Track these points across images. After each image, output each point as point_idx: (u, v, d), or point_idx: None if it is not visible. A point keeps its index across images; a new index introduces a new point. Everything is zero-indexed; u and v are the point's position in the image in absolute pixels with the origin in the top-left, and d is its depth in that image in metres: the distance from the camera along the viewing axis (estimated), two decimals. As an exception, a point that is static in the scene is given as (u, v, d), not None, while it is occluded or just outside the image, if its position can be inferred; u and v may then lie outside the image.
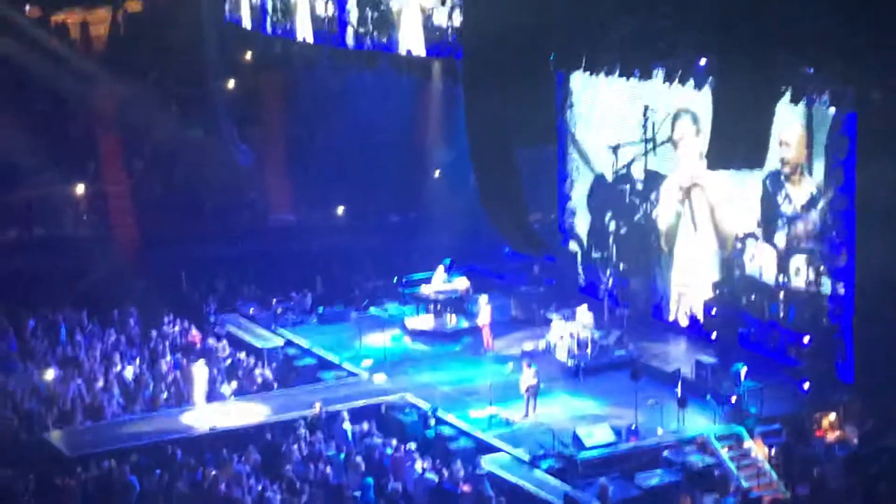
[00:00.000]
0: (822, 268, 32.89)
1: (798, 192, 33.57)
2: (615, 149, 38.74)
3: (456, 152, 41.39)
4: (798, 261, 33.64)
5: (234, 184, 45.29)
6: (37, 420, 31.91)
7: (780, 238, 34.14)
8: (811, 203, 33.22)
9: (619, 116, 38.38)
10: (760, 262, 34.77)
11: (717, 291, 35.47)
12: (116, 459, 29.35)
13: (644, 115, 37.47)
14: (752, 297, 34.79)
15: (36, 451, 30.69)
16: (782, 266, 34.07)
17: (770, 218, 34.41)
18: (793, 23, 23.78)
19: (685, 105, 35.46)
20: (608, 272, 38.53)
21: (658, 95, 35.91)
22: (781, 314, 34.09)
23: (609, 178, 39.33)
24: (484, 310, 36.68)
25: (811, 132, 32.73)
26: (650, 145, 37.80)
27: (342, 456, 29.73)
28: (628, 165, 38.62)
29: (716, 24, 24.62)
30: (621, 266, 38.62)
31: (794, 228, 33.71)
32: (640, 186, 38.39)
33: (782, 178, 33.85)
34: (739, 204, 35.32)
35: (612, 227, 39.66)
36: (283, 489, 28.14)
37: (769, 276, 34.52)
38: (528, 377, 31.91)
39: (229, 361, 35.69)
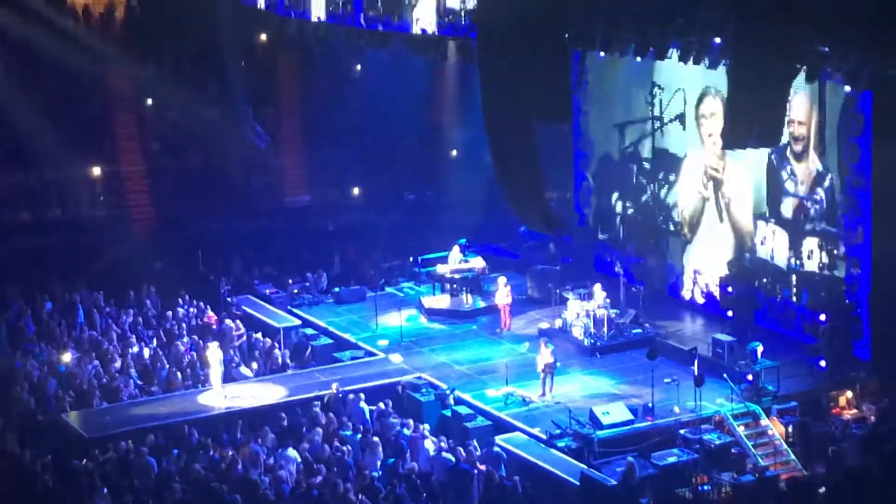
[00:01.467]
0: (835, 251, 32.83)
1: (804, 170, 33.53)
2: (621, 127, 38.77)
3: (472, 131, 41.35)
4: (811, 244, 33.59)
5: (249, 164, 45.30)
6: (54, 401, 32.02)
7: (791, 220, 34.07)
8: (818, 181, 33.17)
9: (627, 94, 38.39)
10: (772, 244, 34.73)
11: (733, 270, 35.44)
12: (134, 440, 29.47)
13: (651, 92, 37.45)
14: (765, 279, 34.77)
15: (53, 432, 30.79)
16: (794, 249, 34.03)
17: (777, 198, 34.36)
18: (809, 1, 23.69)
19: (714, 84, 35.35)
20: (609, 258, 38.53)
21: (668, 73, 35.93)
22: (794, 298, 34.09)
23: (615, 156, 39.38)
24: (503, 290, 36.69)
25: (820, 110, 32.66)
26: (657, 123, 37.78)
27: (359, 436, 29.79)
28: (635, 144, 38.63)
29: (731, 2, 24.55)
30: (627, 246, 38.62)
31: (802, 209, 33.65)
32: (647, 166, 38.40)
33: (788, 154, 33.77)
34: (747, 184, 35.28)
35: (619, 207, 39.73)
36: (300, 469, 28.21)
37: (781, 259, 34.48)
38: (545, 356, 31.92)
39: (244, 339, 35.72)
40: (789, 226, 34.17)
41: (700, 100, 36.40)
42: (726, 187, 36.16)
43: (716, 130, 35.78)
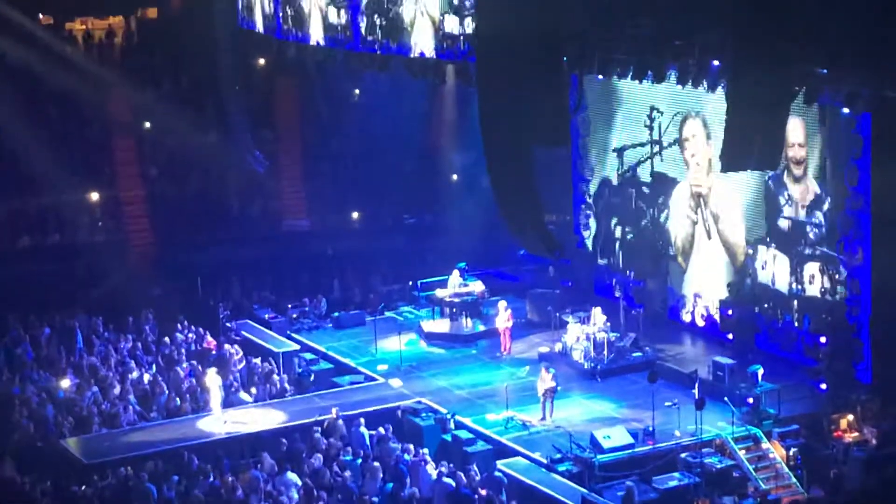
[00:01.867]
0: (836, 275, 32.78)
1: (802, 193, 33.52)
2: (620, 151, 38.81)
3: (471, 155, 41.36)
4: (812, 268, 33.56)
5: (248, 189, 45.33)
6: (53, 427, 31.94)
7: (790, 244, 34.05)
8: (815, 204, 33.16)
9: (626, 118, 38.43)
10: (772, 269, 34.71)
11: (733, 293, 35.40)
12: (133, 466, 29.36)
13: (650, 116, 37.50)
14: (766, 304, 34.76)
15: (52, 458, 30.68)
16: (796, 274, 34.00)
17: (775, 221, 34.35)
18: (807, 23, 23.69)
19: (695, 108, 35.42)
20: (612, 279, 38.47)
21: (666, 97, 35.99)
22: (797, 323, 34.05)
23: (615, 180, 39.40)
24: (503, 314, 36.62)
25: (818, 132, 32.66)
26: (656, 147, 37.81)
27: (359, 461, 29.70)
28: (634, 168, 38.65)
29: (731, 24, 24.54)
30: (628, 271, 38.60)
31: (801, 233, 33.63)
32: (646, 190, 38.41)
33: (786, 178, 33.77)
34: (745, 209, 35.29)
35: (618, 232, 39.74)
36: (301, 495, 28.11)
37: (782, 283, 34.45)
38: (546, 380, 31.84)
39: (243, 364, 35.65)
40: (789, 250, 34.12)
41: (682, 122, 36.41)
42: (713, 209, 36.10)
43: (698, 152, 35.83)
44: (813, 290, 33.51)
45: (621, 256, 39.72)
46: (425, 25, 31.76)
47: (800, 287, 33.90)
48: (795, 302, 34.06)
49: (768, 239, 34.73)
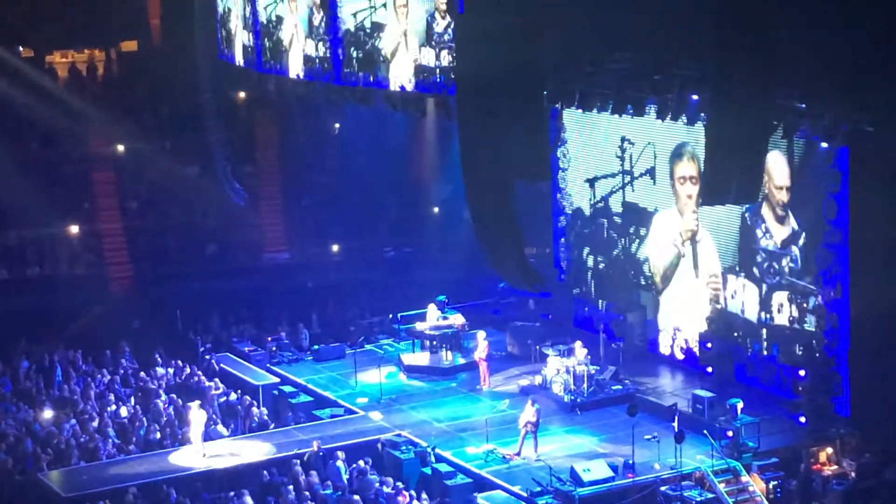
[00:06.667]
0: (805, 304, 32.98)
1: (778, 227, 33.66)
2: (592, 182, 38.97)
3: (451, 187, 41.44)
4: (780, 297, 33.72)
5: (228, 222, 45.29)
6: (32, 460, 31.81)
7: (761, 274, 34.23)
8: (792, 238, 33.32)
9: (598, 149, 38.63)
10: (742, 298, 34.85)
11: (712, 326, 35.51)
12: (112, 499, 29.26)
13: (621, 147, 37.66)
14: (736, 333, 34.91)
15: (31, 491, 30.60)
16: (764, 303, 34.15)
17: (749, 253, 34.51)
18: (786, 58, 23.83)
19: (688, 142, 35.60)
20: (586, 308, 38.54)
21: (638, 128, 36.22)
22: (765, 352, 34.18)
23: (587, 211, 39.55)
24: (482, 344, 36.63)
25: (796, 166, 32.83)
26: (627, 178, 37.96)
27: (338, 494, 29.63)
28: (606, 198, 38.80)
29: (710, 59, 24.66)
30: (600, 302, 38.70)
31: (774, 264, 33.80)
32: (618, 220, 38.55)
33: (763, 211, 33.91)
34: (719, 239, 35.45)
35: (591, 261, 39.85)
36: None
37: (751, 313, 34.58)
38: (528, 413, 31.80)
39: (223, 399, 35.58)
40: (760, 280, 34.29)
41: (678, 158, 36.51)
42: (702, 244, 36.23)
43: (694, 192, 36.00)
44: (781, 318, 33.71)
45: (593, 286, 39.80)
46: (405, 59, 31.84)
47: (768, 316, 34.07)
48: (764, 331, 34.23)
49: (738, 268, 34.89)
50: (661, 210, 37.27)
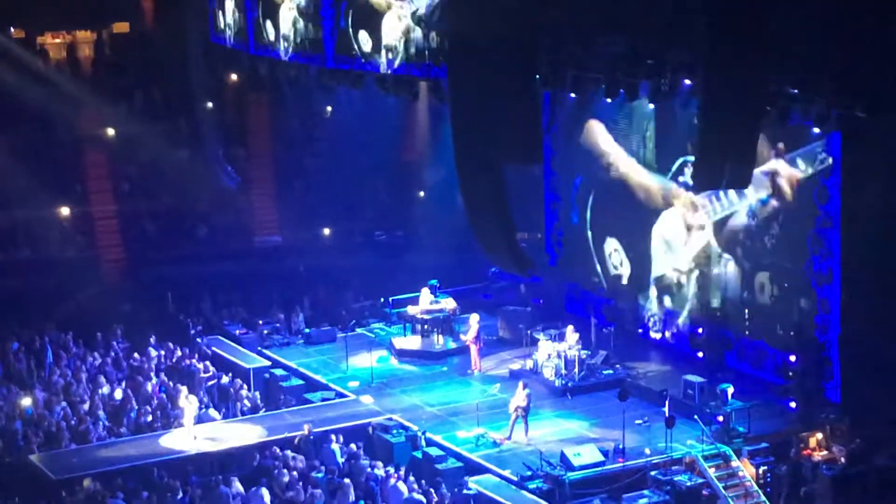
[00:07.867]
0: (785, 284, 33.15)
1: (762, 208, 33.68)
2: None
3: (443, 171, 41.38)
4: (762, 277, 33.76)
5: (220, 205, 45.22)
6: (22, 443, 31.77)
7: (743, 253, 34.30)
8: (773, 216, 33.36)
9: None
10: (725, 278, 34.91)
11: (703, 311, 35.56)
12: (102, 482, 29.24)
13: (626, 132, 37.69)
14: (718, 313, 35.00)
15: (21, 474, 30.55)
16: (747, 282, 34.17)
17: (733, 233, 34.53)
18: (779, 44, 23.82)
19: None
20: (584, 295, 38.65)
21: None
22: (747, 332, 34.21)
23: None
24: (473, 327, 36.60)
25: (785, 149, 32.81)
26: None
27: (329, 478, 29.62)
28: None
29: (702, 44, 24.65)
30: (597, 288, 38.72)
31: (756, 244, 33.84)
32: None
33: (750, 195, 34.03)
34: (706, 219, 35.48)
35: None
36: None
37: (734, 292, 34.70)
38: (519, 397, 31.79)
39: (213, 383, 35.54)
40: (743, 260, 34.35)
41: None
42: (697, 232, 36.26)
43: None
44: (763, 298, 33.83)
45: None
46: (397, 41, 31.76)
47: (750, 295, 34.20)
48: (747, 311, 34.31)
49: (721, 249, 35.05)
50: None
